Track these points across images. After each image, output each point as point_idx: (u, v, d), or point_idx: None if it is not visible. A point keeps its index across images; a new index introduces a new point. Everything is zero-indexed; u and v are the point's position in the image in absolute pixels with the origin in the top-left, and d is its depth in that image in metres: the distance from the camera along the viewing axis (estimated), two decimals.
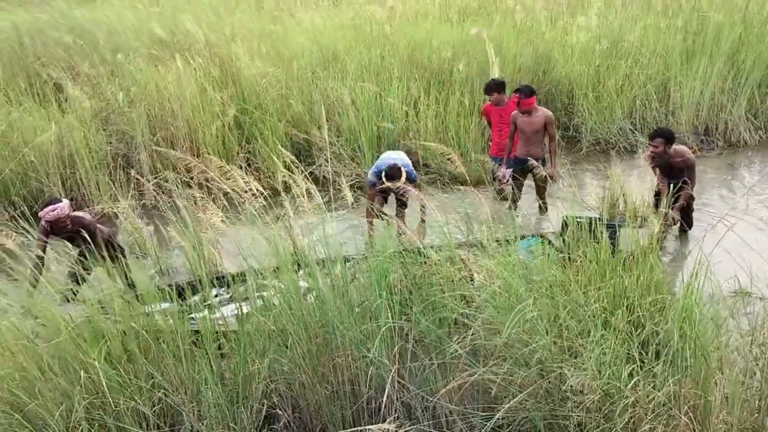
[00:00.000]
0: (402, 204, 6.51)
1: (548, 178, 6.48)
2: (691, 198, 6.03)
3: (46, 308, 3.74)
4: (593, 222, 4.23)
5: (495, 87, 6.90)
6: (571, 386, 3.19)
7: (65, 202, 5.21)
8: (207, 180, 7.67)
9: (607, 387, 3.20)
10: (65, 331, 3.59)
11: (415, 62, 9.21)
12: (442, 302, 3.88)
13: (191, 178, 7.71)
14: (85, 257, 4.84)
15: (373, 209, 6.07)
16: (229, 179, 4.27)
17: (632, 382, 3.16)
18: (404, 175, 5.91)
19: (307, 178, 4.28)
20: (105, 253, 4.57)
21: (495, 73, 8.18)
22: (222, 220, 4.11)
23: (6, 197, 7.46)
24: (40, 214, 5.14)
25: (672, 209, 5.61)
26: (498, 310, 3.68)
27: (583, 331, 3.51)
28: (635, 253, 4.02)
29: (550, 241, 4.48)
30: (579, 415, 3.25)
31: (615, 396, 3.18)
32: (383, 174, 5.98)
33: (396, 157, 6.36)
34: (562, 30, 10.18)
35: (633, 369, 3.22)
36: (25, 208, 7.27)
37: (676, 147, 5.88)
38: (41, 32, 10.33)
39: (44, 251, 5.12)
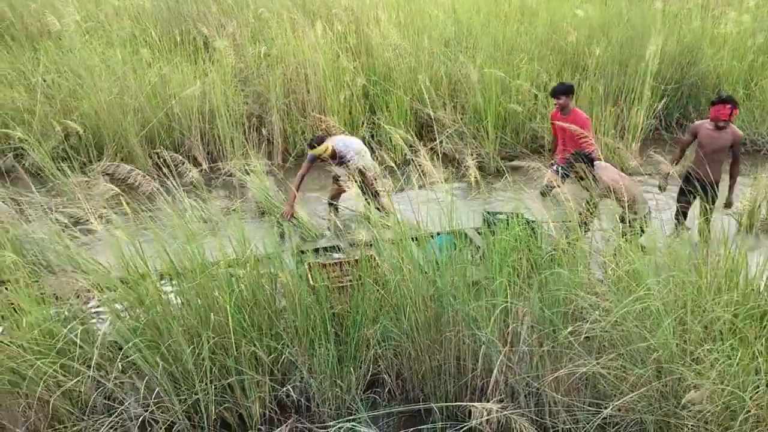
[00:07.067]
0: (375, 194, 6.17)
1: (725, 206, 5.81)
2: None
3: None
4: (511, 218, 4.19)
5: (564, 90, 6.06)
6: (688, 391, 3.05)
7: None
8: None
9: (729, 399, 3.04)
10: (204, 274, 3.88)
11: (551, 44, 8.93)
12: (561, 288, 3.82)
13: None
14: None
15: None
16: None
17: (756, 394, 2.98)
18: (324, 148, 5.94)
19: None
20: None
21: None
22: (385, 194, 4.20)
23: (152, 146, 8.06)
24: None
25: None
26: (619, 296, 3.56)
27: (708, 335, 3.34)
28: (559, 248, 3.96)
29: (467, 235, 4.40)
30: (696, 425, 3.12)
31: (737, 409, 3.01)
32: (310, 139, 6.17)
33: (349, 140, 6.24)
34: (713, 20, 9.47)
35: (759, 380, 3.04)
36: (167, 157, 7.83)
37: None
38: None
39: None
